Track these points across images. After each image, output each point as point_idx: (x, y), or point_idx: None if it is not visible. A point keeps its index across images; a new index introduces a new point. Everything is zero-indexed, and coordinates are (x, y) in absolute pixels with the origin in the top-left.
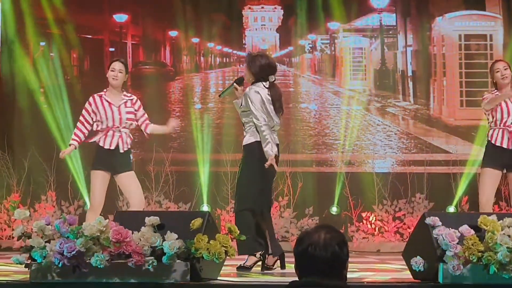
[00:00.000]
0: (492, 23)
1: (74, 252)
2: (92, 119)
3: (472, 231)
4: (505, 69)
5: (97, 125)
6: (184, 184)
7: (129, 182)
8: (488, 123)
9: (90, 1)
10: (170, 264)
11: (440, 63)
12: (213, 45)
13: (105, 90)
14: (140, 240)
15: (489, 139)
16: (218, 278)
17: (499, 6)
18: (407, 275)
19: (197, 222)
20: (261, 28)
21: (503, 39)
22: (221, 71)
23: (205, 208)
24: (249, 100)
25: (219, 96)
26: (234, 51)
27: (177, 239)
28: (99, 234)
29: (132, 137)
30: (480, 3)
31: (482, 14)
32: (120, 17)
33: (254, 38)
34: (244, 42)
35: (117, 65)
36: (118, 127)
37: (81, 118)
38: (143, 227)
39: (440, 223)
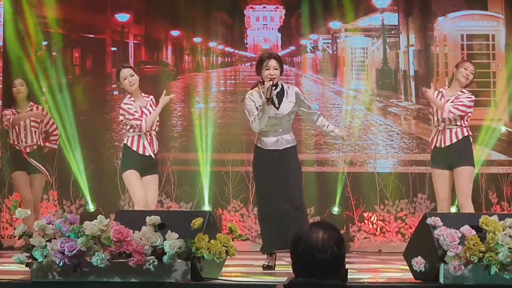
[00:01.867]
0: (495, 23)
1: (75, 251)
2: None
3: (474, 232)
4: (471, 73)
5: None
6: (185, 183)
7: None
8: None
9: (92, 1)
10: (170, 264)
11: (442, 63)
12: (215, 44)
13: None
14: (141, 239)
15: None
16: (219, 277)
17: (502, 6)
18: (408, 276)
19: (197, 222)
20: (263, 27)
21: (505, 39)
22: (223, 71)
23: (207, 207)
24: (303, 99)
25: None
26: (236, 51)
27: (177, 238)
28: (100, 233)
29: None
30: (483, 2)
31: (485, 14)
32: (122, 17)
33: (255, 37)
34: (245, 41)
35: (128, 71)
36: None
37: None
38: (144, 227)
39: (441, 224)
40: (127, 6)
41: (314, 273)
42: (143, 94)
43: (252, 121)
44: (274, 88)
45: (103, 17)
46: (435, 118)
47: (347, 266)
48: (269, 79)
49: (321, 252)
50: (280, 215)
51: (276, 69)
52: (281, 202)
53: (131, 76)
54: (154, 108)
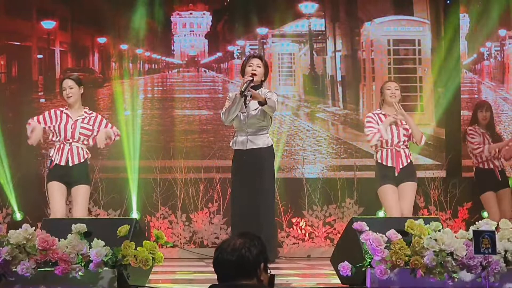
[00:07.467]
0: (421, 28)
1: (0, 260)
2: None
3: (399, 236)
4: (396, 89)
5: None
6: (113, 191)
7: None
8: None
9: (18, 8)
10: (97, 272)
11: (369, 68)
12: (141, 51)
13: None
14: (67, 247)
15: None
16: (146, 285)
17: (427, 11)
18: (336, 280)
19: (123, 229)
20: (190, 34)
21: (431, 43)
22: (150, 78)
23: (135, 215)
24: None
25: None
26: (163, 57)
27: (104, 246)
28: (25, 242)
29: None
30: (409, 8)
31: (411, 19)
32: (48, 24)
33: (182, 44)
34: (172, 48)
35: (67, 82)
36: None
37: None
38: (70, 235)
39: (367, 228)
40: (52, 13)
41: (230, 276)
42: (85, 109)
43: (222, 113)
44: (251, 83)
45: (29, 24)
46: (391, 140)
47: (275, 272)
48: (250, 74)
49: (229, 254)
50: None
51: (259, 66)
52: None
53: (70, 88)
54: (89, 124)
